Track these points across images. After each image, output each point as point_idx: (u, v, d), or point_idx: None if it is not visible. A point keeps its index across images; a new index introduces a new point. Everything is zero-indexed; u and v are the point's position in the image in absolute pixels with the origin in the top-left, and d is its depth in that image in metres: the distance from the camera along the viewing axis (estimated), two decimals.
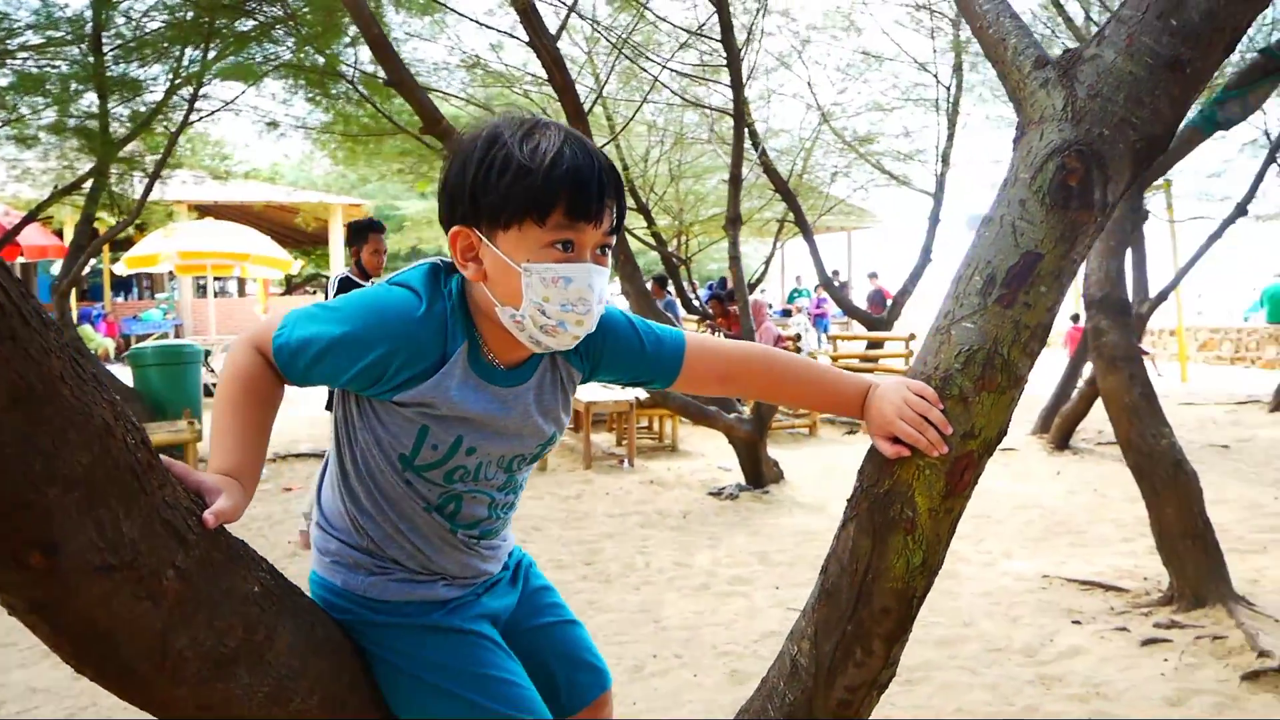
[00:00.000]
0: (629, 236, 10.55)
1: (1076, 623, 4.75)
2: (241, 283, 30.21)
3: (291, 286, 35.05)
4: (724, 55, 7.30)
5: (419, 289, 1.45)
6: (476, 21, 8.14)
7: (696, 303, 14.50)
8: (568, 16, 7.75)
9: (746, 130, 9.18)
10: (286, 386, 1.48)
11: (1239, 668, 4.08)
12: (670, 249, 15.13)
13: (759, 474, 7.88)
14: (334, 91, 9.98)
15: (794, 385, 1.69)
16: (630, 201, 11.92)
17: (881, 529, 1.56)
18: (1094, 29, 9.20)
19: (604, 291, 1.44)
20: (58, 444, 1.05)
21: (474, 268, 1.42)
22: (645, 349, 1.63)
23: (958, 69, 12.13)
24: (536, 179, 1.34)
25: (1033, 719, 3.72)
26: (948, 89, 12.44)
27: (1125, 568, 5.60)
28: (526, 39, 6.60)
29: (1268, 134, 11.03)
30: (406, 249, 23.22)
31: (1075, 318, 15.78)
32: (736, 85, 7.22)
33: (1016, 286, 1.49)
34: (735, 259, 7.69)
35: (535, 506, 7.39)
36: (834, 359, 14.60)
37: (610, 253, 1.45)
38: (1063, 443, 9.66)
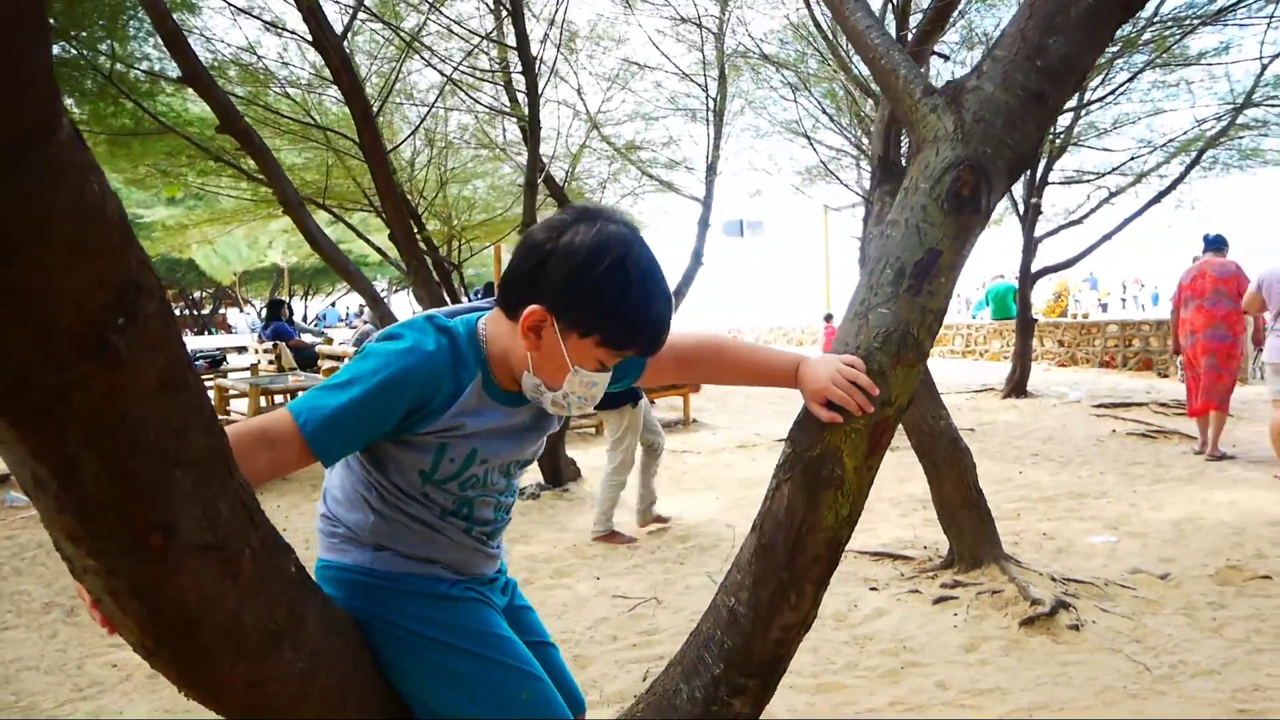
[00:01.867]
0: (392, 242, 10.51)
1: (874, 589, 5.26)
2: None
3: None
4: (518, 62, 7.46)
5: (420, 332, 1.60)
6: (257, 18, 7.94)
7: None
8: (354, 15, 7.69)
9: (526, 135, 9.34)
10: None
11: (1016, 615, 4.66)
12: (442, 254, 15.08)
13: (558, 472, 8.09)
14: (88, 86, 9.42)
15: (739, 365, 1.95)
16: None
17: (814, 487, 1.82)
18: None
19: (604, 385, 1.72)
20: (186, 427, 1.14)
21: (533, 340, 1.60)
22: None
23: (722, 79, 12.75)
24: (641, 328, 1.60)
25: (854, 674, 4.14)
26: (713, 99, 13.05)
27: (907, 539, 6.20)
28: (311, 38, 6.53)
29: None
30: (155, 256, 21.97)
31: (828, 317, 16.88)
32: (531, 90, 7.41)
33: (922, 278, 1.79)
34: None
35: None
36: None
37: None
38: None
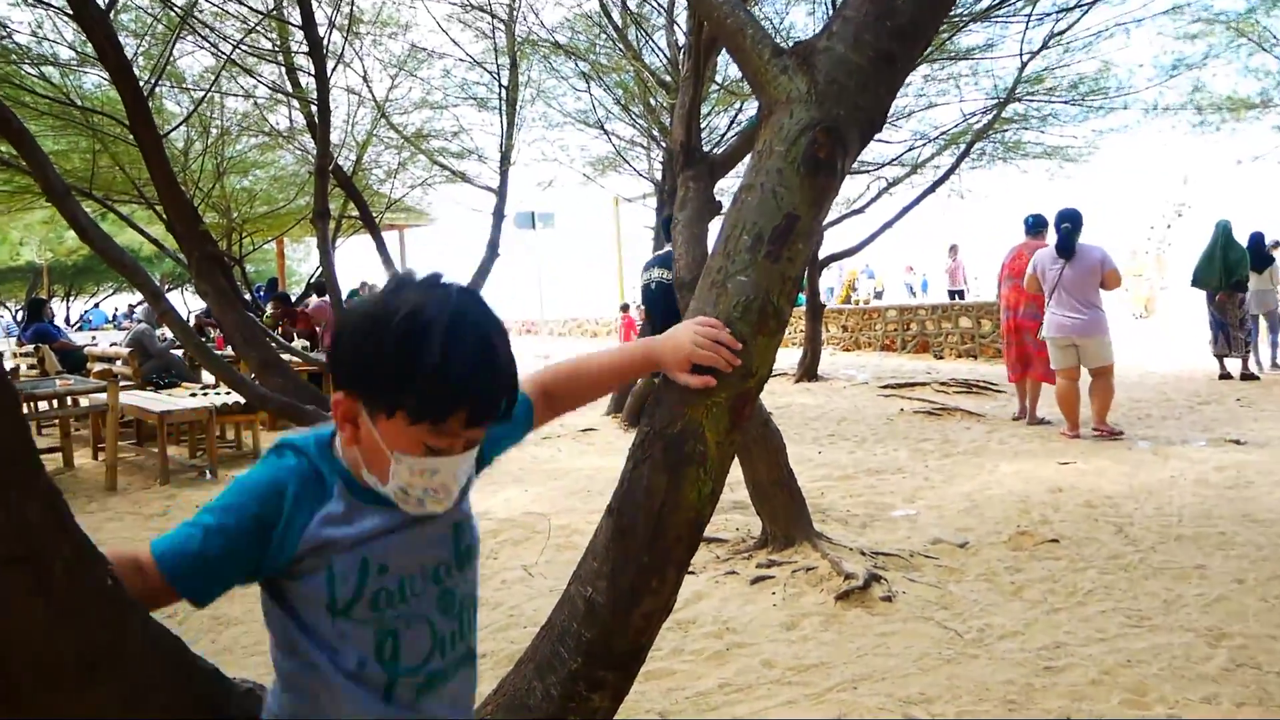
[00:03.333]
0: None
1: (692, 573, 5.25)
2: None
3: None
4: (303, 40, 7.08)
5: (273, 453, 1.47)
6: None
7: (253, 300, 13.85)
8: None
9: (313, 120, 8.90)
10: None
11: (832, 591, 4.75)
12: (222, 248, 14.27)
13: None
14: None
15: (599, 373, 1.76)
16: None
17: (676, 465, 1.73)
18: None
19: (470, 472, 1.47)
20: None
21: (350, 431, 1.41)
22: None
23: (513, 67, 12.58)
24: (452, 393, 1.32)
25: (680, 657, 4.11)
26: (504, 87, 12.84)
27: (718, 522, 6.25)
28: (71, 11, 5.98)
29: None
30: None
31: (624, 307, 16.98)
32: (320, 72, 7.04)
33: (780, 243, 1.73)
34: (325, 254, 7.50)
35: (116, 528, 6.78)
36: None
37: (481, 438, 1.45)
38: (634, 420, 10.45)
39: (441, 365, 1.29)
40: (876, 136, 11.50)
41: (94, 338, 18.50)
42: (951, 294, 23.01)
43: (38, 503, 1.04)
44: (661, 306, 7.64)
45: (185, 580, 1.35)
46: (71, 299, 39.80)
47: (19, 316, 19.40)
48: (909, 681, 3.78)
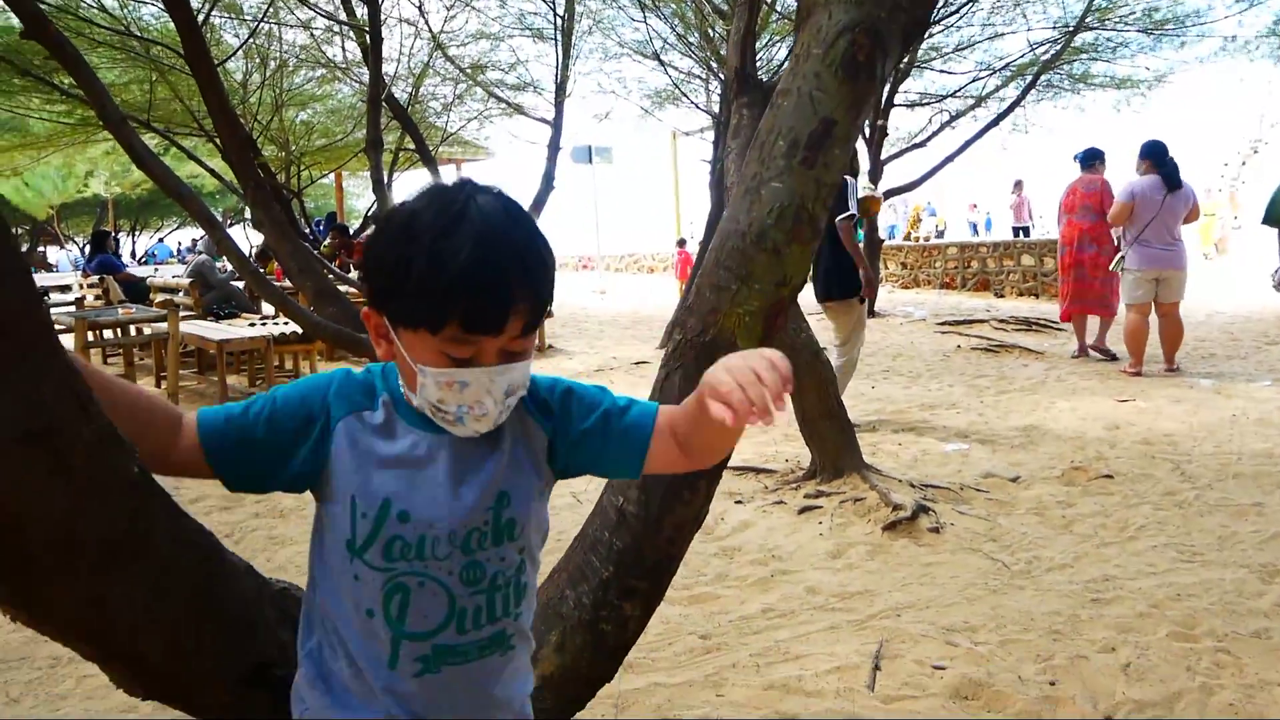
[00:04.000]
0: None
1: (739, 502, 5.27)
2: None
3: None
4: None
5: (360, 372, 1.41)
6: None
7: (311, 234, 14.00)
8: None
9: (367, 51, 8.89)
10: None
11: (879, 521, 4.74)
12: (280, 181, 14.43)
13: None
14: None
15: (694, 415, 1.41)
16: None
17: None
18: None
19: (513, 386, 1.31)
20: None
21: (384, 346, 1.34)
22: (614, 410, 1.45)
23: None
24: (434, 292, 1.21)
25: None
26: (560, 17, 12.70)
27: (768, 454, 6.25)
28: None
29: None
30: None
31: (681, 242, 16.90)
32: (372, 2, 7.02)
33: (816, 149, 1.69)
34: (379, 183, 7.53)
35: None
36: None
37: (521, 350, 1.31)
38: None
39: (436, 262, 1.20)
40: (939, 67, 11.18)
41: (157, 271, 18.81)
42: (1016, 230, 22.54)
43: (54, 381, 1.05)
44: (825, 234, 7.58)
45: (220, 453, 1.32)
46: (137, 233, 40.51)
47: (85, 249, 19.73)
48: (953, 610, 3.77)
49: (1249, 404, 7.20)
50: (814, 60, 1.72)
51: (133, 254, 36.81)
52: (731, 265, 1.71)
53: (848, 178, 7.31)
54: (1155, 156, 9.10)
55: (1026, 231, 21.96)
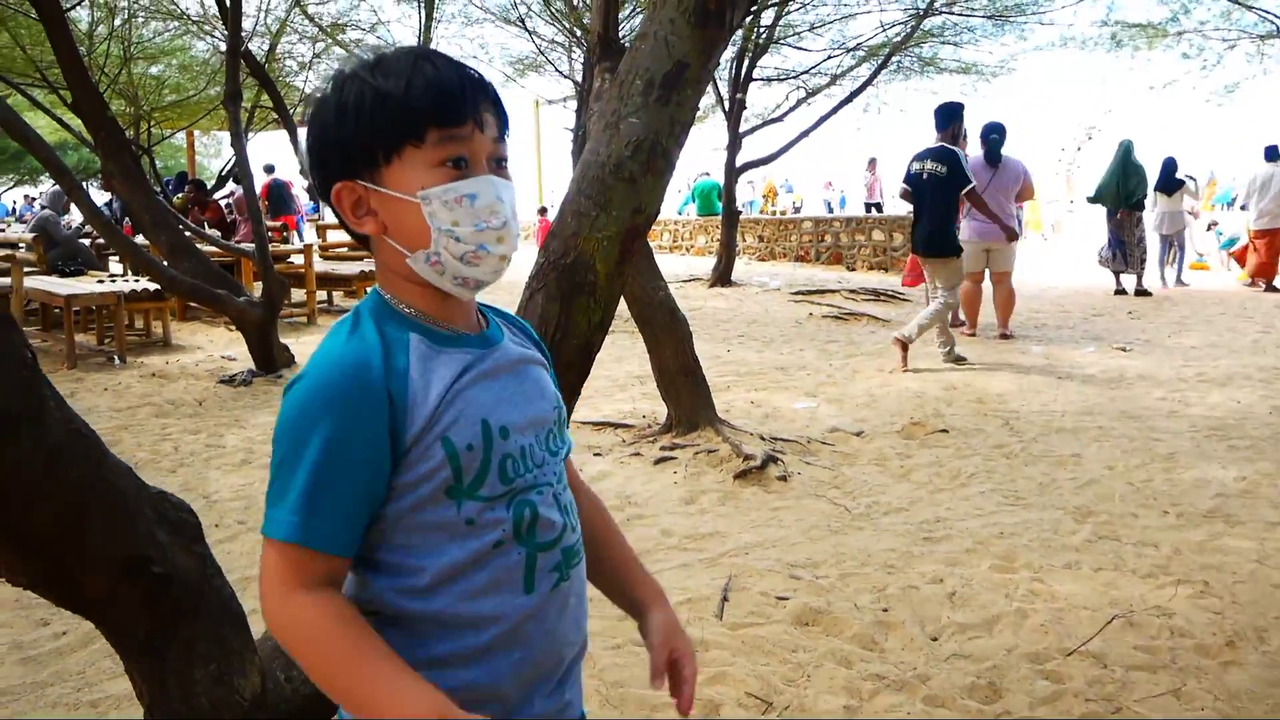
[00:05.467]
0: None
1: (598, 454, 5.43)
2: None
3: None
4: None
5: (321, 349, 1.23)
6: None
7: (162, 192, 13.51)
8: None
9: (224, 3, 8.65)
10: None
11: (731, 470, 4.97)
12: (130, 137, 13.84)
13: (270, 359, 7.75)
14: None
15: (604, 547, 1.49)
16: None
17: (568, 293, 1.85)
18: None
19: (514, 205, 1.27)
20: None
21: (371, 222, 1.24)
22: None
23: None
24: (397, 99, 1.18)
25: None
26: None
27: (626, 410, 6.43)
28: None
29: None
30: None
31: (543, 210, 16.93)
32: None
33: (671, 88, 1.83)
34: (237, 136, 7.37)
35: None
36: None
37: (505, 166, 1.28)
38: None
39: (385, 78, 1.19)
40: (795, 44, 11.47)
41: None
42: (868, 207, 23.33)
43: None
44: (929, 198, 7.94)
45: (319, 534, 1.15)
46: None
47: None
48: (797, 549, 4.01)
49: (1074, 368, 7.74)
50: (669, 7, 1.86)
51: None
52: (591, 193, 1.84)
53: (960, 151, 7.79)
54: (983, 136, 9.75)
55: (879, 208, 22.74)
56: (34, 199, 29.43)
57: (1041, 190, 23.36)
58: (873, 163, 24.06)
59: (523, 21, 13.30)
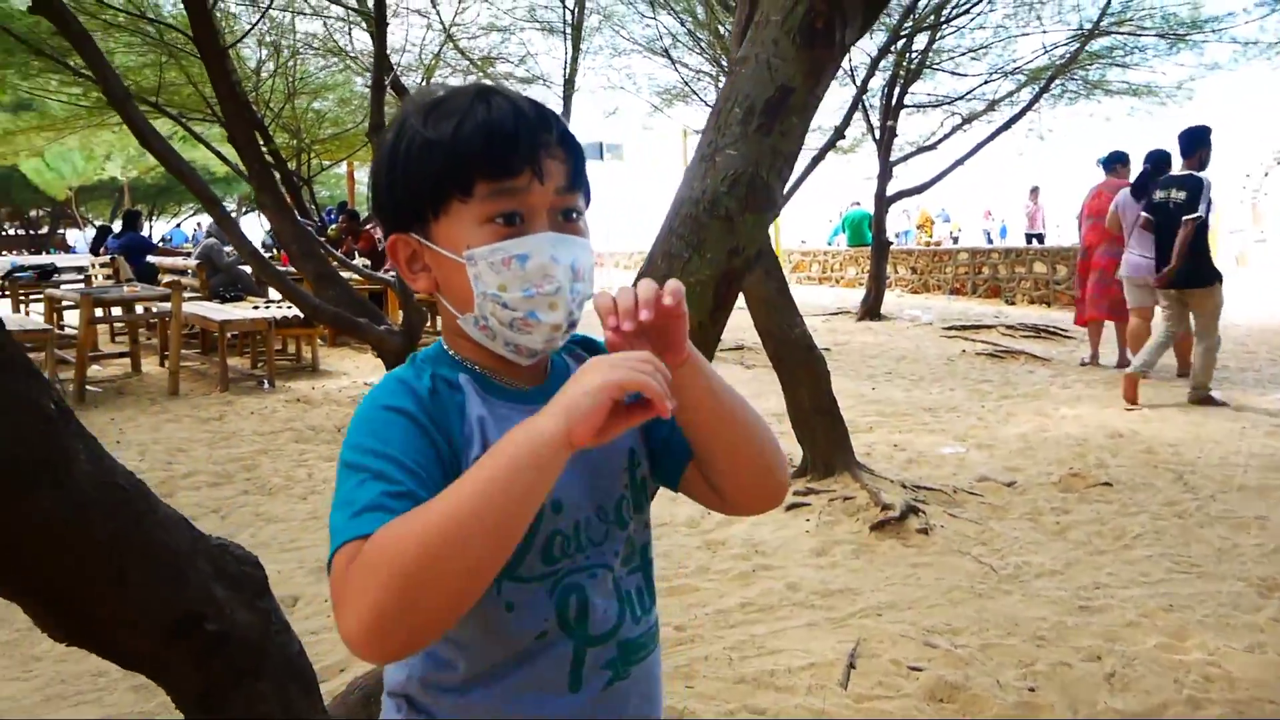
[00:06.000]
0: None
1: None
2: None
3: None
4: None
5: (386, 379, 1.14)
6: None
7: (320, 223, 13.99)
8: None
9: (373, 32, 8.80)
10: None
11: (867, 520, 4.66)
12: (291, 169, 14.39)
13: None
14: None
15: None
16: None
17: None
18: None
19: (582, 265, 1.11)
20: None
21: (424, 278, 1.15)
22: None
23: None
24: (443, 149, 1.08)
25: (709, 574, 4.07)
26: (571, 12, 12.62)
27: None
28: None
29: (852, 72, 12.34)
30: None
31: None
32: None
33: (773, 116, 1.62)
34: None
35: (174, 429, 6.91)
36: None
37: (580, 217, 1.14)
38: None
39: (435, 125, 1.08)
40: (951, 69, 11.05)
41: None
42: (1029, 238, 22.38)
43: None
44: (1173, 227, 7.74)
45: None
46: (154, 218, 40.63)
47: (111, 231, 19.76)
48: (935, 612, 3.69)
49: (1259, 416, 7.09)
50: (772, 27, 1.66)
51: (149, 238, 36.84)
52: (684, 233, 1.64)
53: (1205, 178, 7.59)
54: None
55: (1041, 239, 21.80)
56: (205, 225, 31.08)
57: (1223, 219, 22.00)
58: (1035, 191, 23.11)
59: (668, 52, 13.25)
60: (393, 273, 7.50)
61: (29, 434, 1.17)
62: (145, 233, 18.38)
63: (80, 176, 29.22)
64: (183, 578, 1.50)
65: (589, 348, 1.28)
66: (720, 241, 1.62)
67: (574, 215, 1.12)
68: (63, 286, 11.01)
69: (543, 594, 1.10)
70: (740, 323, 7.97)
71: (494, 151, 1.07)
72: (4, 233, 43.76)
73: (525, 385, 1.17)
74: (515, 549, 0.98)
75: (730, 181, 1.61)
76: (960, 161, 12.51)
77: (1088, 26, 11.41)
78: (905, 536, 4.51)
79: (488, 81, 1.18)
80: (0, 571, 1.23)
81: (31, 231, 43.24)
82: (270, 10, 10.76)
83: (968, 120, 13.22)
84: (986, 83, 13.22)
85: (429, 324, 9.01)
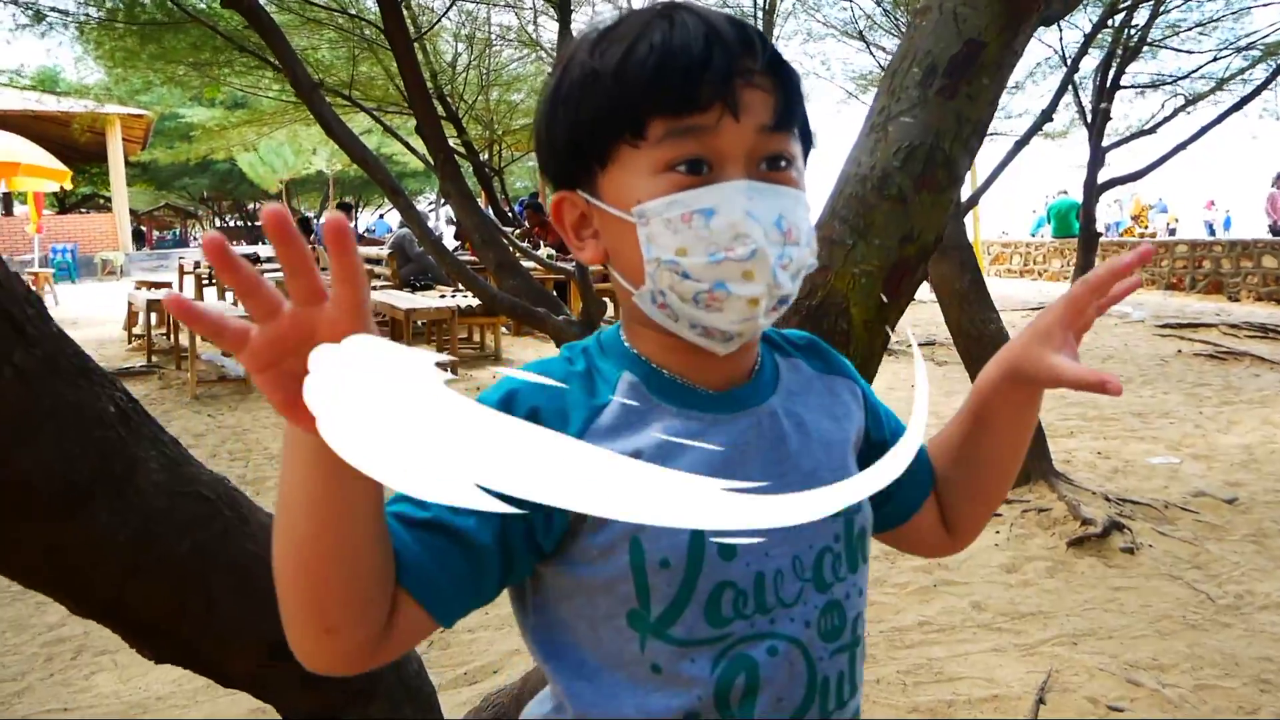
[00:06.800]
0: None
1: None
2: (8, 199, 27.47)
3: (66, 206, 32.36)
4: None
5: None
6: None
7: (511, 214, 14.21)
8: None
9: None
10: None
11: (1064, 535, 4.28)
12: (483, 159, 14.69)
13: None
14: None
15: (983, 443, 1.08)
16: (439, 109, 11.27)
17: None
18: None
19: (793, 222, 0.86)
20: None
21: (592, 246, 0.93)
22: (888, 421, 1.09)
23: None
24: (609, 81, 0.85)
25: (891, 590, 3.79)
26: None
27: None
28: None
29: (1063, 51, 11.57)
30: (197, 159, 21.72)
31: None
32: None
33: (959, 77, 1.38)
34: None
35: None
36: None
37: (791, 166, 0.89)
38: None
39: (603, 55, 0.87)
40: (1175, 45, 10.17)
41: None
42: (1275, 231, 20.50)
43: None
44: None
45: (419, 582, 0.80)
46: (359, 210, 42.67)
47: (311, 222, 20.80)
48: (1140, 645, 3.32)
49: None
50: None
51: (353, 228, 38.56)
52: (848, 216, 1.41)
53: None
54: None
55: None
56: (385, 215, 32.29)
57: None
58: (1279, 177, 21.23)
59: (862, 35, 12.78)
60: (574, 262, 7.48)
61: (78, 444, 1.06)
62: (353, 224, 19.17)
63: (290, 170, 30.81)
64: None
65: (817, 353, 1.05)
66: (891, 225, 1.39)
67: (782, 163, 0.87)
68: (267, 276, 11.49)
69: (704, 663, 0.85)
70: (933, 316, 7.56)
71: (671, 79, 0.83)
72: (225, 224, 46.72)
73: (718, 388, 0.93)
74: (669, 601, 0.84)
75: (905, 155, 1.38)
76: (1183, 146, 11.49)
77: None
78: (1107, 556, 4.11)
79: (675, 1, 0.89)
80: (53, 590, 1.13)
81: (250, 223, 46.06)
82: (463, 2, 10.97)
83: (1192, 101, 12.21)
84: (1215, 59, 12.17)
85: (610, 314, 8.97)
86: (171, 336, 10.12)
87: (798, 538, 0.89)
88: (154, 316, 11.50)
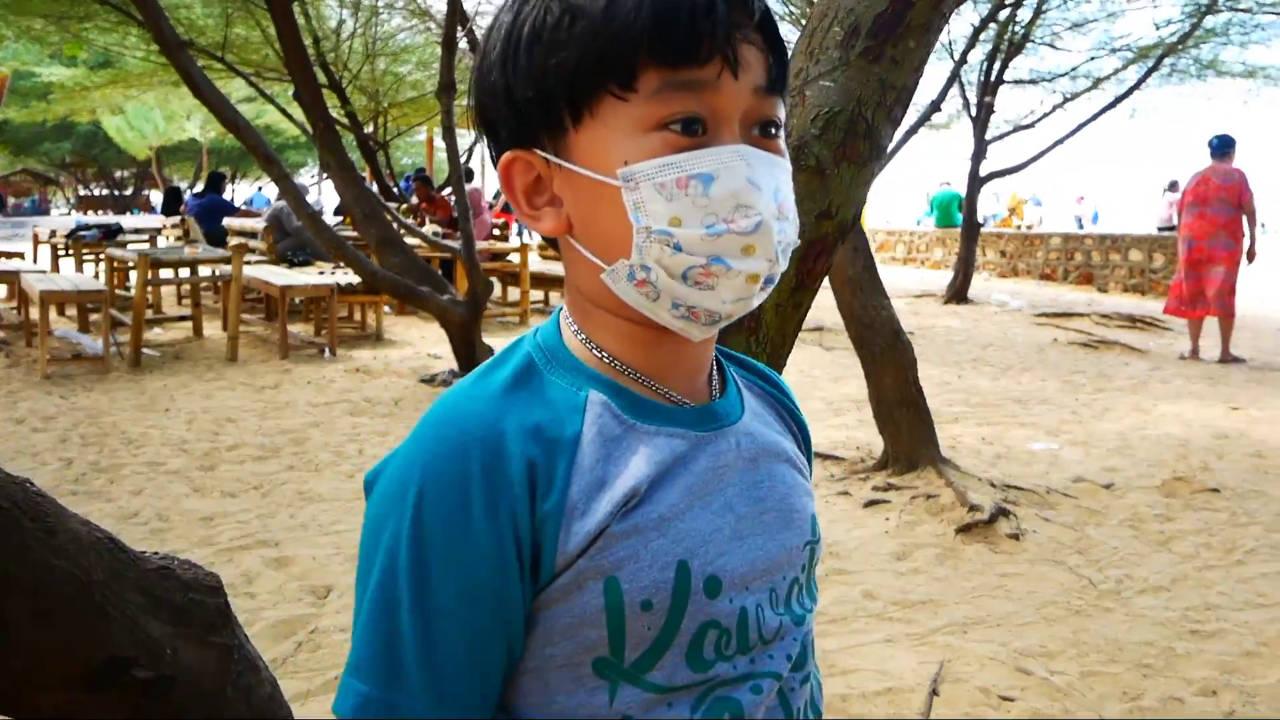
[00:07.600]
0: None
1: None
2: None
3: None
4: None
5: (448, 400, 0.78)
6: None
7: (396, 189, 13.83)
8: None
9: None
10: None
11: (953, 522, 4.29)
12: (367, 132, 14.28)
13: (473, 359, 7.53)
14: None
15: None
16: (322, 77, 10.82)
17: (721, 332, 1.32)
18: None
19: (786, 198, 0.77)
20: None
21: (551, 215, 0.80)
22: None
23: None
24: (593, 19, 0.73)
25: None
26: None
27: (839, 439, 5.80)
28: None
29: (950, 45, 11.78)
30: (55, 119, 20.56)
31: None
32: None
33: (884, 38, 1.27)
34: (450, 130, 7.18)
35: (227, 398, 6.74)
36: None
37: (781, 132, 0.80)
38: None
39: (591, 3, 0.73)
40: (1055, 45, 10.47)
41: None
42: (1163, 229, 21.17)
43: None
44: None
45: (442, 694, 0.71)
46: (236, 181, 41.22)
47: (181, 193, 19.86)
48: (1028, 632, 3.33)
49: None
50: None
51: (230, 201, 37.29)
52: None
53: None
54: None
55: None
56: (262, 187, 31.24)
57: None
58: (1174, 185, 21.91)
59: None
60: (461, 240, 7.25)
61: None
62: (228, 196, 18.41)
63: (161, 136, 29.55)
64: (100, 613, 1.19)
65: (772, 384, 0.95)
66: (807, 200, 1.27)
67: (773, 129, 0.79)
68: (129, 247, 10.93)
69: (682, 707, 0.76)
70: (822, 301, 7.60)
71: (674, 25, 0.72)
72: (90, 193, 44.67)
73: (686, 400, 0.82)
74: (648, 644, 0.74)
75: (824, 123, 1.27)
76: (1061, 141, 11.91)
77: (1204, 2, 10.71)
78: (994, 541, 4.13)
79: None
80: None
81: (117, 192, 44.11)
82: None
83: (1069, 99, 12.58)
84: (1092, 59, 12.56)
85: (500, 295, 8.75)
86: (21, 311, 9.51)
87: (777, 572, 0.82)
88: (2, 289, 10.80)
